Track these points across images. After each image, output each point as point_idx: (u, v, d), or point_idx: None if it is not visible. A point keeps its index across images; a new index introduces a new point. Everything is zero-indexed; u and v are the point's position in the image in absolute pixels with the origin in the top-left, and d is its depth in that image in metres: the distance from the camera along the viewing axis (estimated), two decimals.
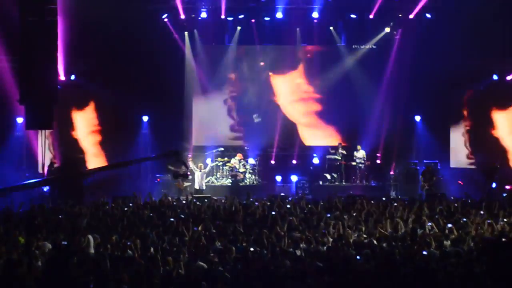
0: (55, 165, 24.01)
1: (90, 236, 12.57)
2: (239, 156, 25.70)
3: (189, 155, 24.97)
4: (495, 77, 25.64)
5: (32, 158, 24.32)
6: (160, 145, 25.11)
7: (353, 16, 26.17)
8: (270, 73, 27.21)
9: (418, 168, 25.04)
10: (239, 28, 26.73)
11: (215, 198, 20.44)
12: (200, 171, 23.76)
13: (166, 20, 26.05)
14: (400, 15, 26.07)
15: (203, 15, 26.15)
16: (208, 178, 25.17)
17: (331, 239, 13.32)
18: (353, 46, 26.89)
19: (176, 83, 26.66)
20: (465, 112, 26.19)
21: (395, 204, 17.42)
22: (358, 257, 11.55)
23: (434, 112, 25.95)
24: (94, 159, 25.48)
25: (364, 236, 13.71)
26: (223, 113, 27.25)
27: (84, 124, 26.08)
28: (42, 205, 17.31)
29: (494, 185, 23.36)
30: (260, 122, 27.21)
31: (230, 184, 25.03)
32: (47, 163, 23.48)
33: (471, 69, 24.76)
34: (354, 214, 15.99)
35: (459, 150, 26.19)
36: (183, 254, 11.79)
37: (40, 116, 18.53)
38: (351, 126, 26.66)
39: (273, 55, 27.31)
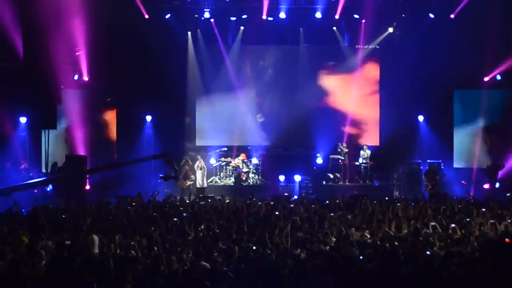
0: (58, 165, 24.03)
1: (94, 236, 12.58)
2: (242, 156, 25.73)
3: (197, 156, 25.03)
4: (498, 77, 25.65)
5: (35, 158, 24.37)
6: (163, 144, 25.15)
7: (356, 16, 26.18)
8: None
9: (421, 168, 25.04)
10: (242, 28, 26.77)
11: (218, 197, 20.46)
12: (201, 169, 23.94)
13: (169, 19, 26.10)
14: (403, 15, 26.06)
15: (206, 15, 26.18)
16: (211, 178, 25.20)
17: (334, 239, 13.33)
18: (356, 46, 26.92)
19: (180, 83, 26.72)
20: None
21: (398, 204, 17.43)
22: (361, 257, 11.54)
23: (437, 112, 25.96)
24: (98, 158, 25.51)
25: (367, 236, 13.71)
26: (226, 113, 27.26)
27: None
28: (45, 205, 17.35)
29: (497, 184, 23.36)
30: (263, 122, 27.21)
31: (233, 184, 25.06)
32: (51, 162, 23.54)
33: (474, 69, 24.77)
34: (357, 214, 15.99)
35: (465, 151, 26.15)
36: (187, 254, 11.80)
37: (44, 116, 18.58)
38: (354, 126, 26.67)
39: (276, 55, 27.33)
